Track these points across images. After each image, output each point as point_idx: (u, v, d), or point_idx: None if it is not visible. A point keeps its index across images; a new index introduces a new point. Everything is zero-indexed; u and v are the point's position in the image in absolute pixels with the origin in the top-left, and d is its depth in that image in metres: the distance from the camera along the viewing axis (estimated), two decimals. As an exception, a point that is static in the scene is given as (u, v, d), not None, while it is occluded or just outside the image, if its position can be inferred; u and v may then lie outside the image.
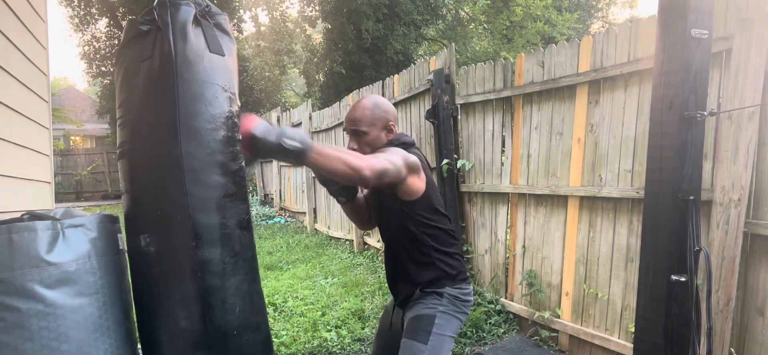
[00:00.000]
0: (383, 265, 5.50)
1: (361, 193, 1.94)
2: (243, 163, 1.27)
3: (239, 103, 1.30)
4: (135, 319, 1.26)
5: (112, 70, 17.39)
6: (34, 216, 1.12)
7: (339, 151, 1.43)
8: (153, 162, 1.16)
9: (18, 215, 1.18)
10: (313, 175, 1.77)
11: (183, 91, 1.14)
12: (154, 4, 1.20)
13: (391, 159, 1.57)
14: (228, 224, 1.18)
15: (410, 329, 1.72)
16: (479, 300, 3.93)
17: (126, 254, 1.29)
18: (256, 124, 1.30)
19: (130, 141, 1.20)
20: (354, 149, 1.73)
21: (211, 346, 1.15)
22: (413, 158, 1.68)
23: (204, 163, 1.15)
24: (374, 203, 1.91)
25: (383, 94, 5.57)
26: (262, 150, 1.30)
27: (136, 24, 1.21)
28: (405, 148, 1.72)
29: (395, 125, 1.82)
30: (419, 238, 1.74)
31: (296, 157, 1.32)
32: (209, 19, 1.24)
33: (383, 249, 1.95)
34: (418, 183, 1.71)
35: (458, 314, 1.77)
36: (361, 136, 1.76)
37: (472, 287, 1.86)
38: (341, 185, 1.73)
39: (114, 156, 17.95)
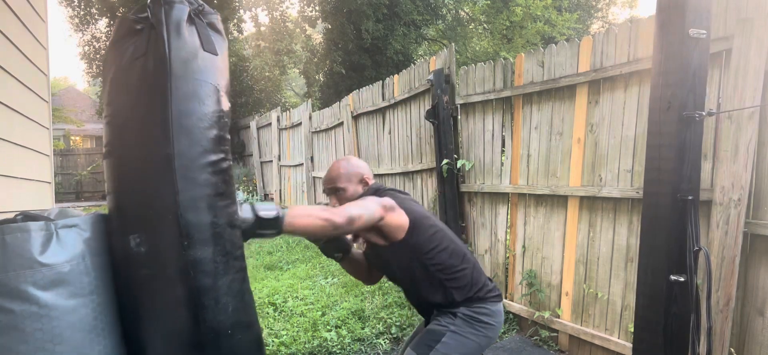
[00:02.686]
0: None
1: (358, 248, 1.98)
2: (231, 163, 1.27)
3: (229, 104, 1.29)
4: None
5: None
6: (27, 217, 1.11)
7: (311, 209, 1.50)
8: (143, 161, 1.14)
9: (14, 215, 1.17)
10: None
11: (176, 89, 1.13)
12: (148, 1, 1.18)
13: (363, 204, 1.65)
14: (219, 223, 1.17)
15: (417, 341, 1.79)
16: (479, 300, 3.92)
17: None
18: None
19: (120, 139, 1.18)
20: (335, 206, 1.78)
21: (204, 346, 1.14)
22: (386, 198, 1.73)
23: (195, 162, 1.14)
24: (376, 263, 1.97)
25: (383, 94, 5.57)
26: (246, 231, 1.29)
27: (127, 21, 1.19)
28: (378, 195, 1.79)
29: (370, 178, 1.91)
30: (426, 268, 1.79)
31: (274, 224, 1.33)
32: (202, 17, 1.23)
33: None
34: (398, 218, 1.74)
35: (473, 336, 1.76)
36: (339, 192, 1.86)
37: (497, 307, 1.83)
38: (329, 241, 1.79)
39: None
